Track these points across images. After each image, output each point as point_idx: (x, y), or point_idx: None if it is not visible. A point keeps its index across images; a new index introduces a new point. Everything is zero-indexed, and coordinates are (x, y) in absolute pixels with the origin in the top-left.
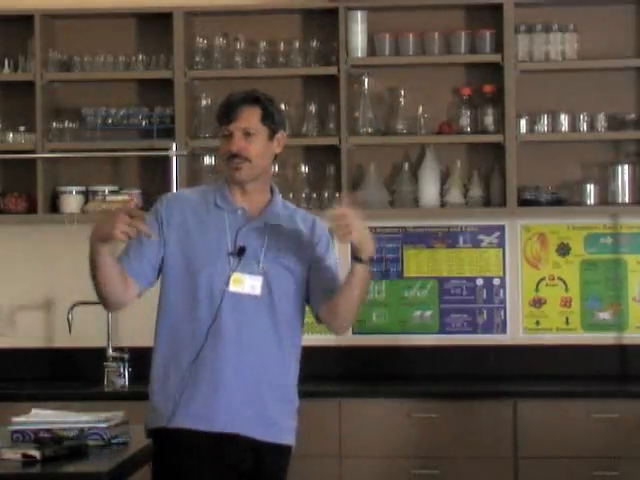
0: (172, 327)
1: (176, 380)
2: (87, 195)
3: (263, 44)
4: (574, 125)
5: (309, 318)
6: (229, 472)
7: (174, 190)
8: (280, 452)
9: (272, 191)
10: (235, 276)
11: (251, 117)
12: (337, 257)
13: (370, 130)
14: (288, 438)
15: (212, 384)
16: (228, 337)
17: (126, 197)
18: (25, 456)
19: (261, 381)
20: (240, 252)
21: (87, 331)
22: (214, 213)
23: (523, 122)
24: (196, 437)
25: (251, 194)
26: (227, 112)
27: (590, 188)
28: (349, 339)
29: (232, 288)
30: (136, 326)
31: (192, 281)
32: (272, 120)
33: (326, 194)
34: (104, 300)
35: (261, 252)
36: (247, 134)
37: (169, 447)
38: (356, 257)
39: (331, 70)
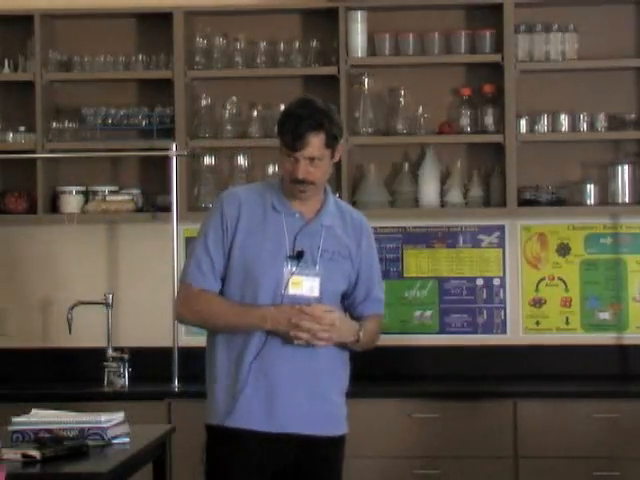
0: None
1: (235, 380)
2: (87, 195)
3: (263, 44)
4: (574, 125)
5: None
6: (278, 469)
7: (173, 191)
8: (338, 443)
9: (325, 191)
10: (294, 279)
11: (316, 144)
12: (377, 258)
13: (370, 130)
14: (344, 427)
15: (271, 384)
16: (287, 338)
17: (126, 197)
18: (25, 456)
19: (319, 379)
20: (299, 256)
21: (87, 331)
22: (272, 216)
23: (523, 122)
24: (253, 437)
25: (306, 200)
26: (293, 141)
27: (590, 188)
28: None
29: (291, 291)
30: (136, 326)
31: (253, 284)
32: (335, 140)
33: None
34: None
35: (317, 253)
36: (312, 160)
37: (222, 444)
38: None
39: (331, 70)
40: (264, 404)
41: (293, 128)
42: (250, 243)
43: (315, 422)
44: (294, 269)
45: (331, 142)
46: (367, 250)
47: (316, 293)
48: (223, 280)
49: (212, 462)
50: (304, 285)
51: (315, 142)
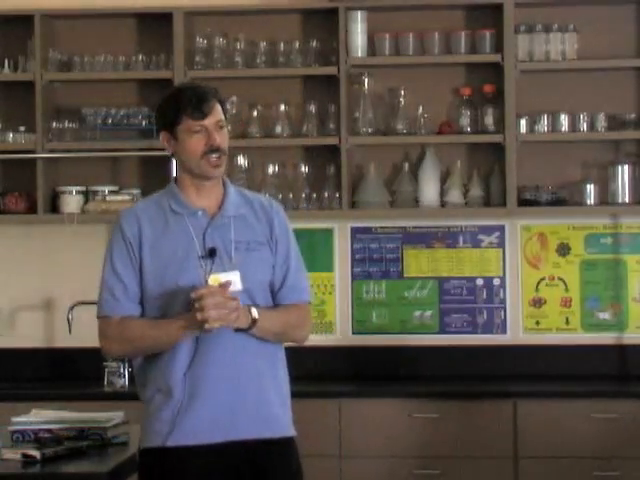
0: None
1: (170, 396)
2: (87, 195)
3: (263, 44)
4: (574, 125)
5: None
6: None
7: None
8: (287, 445)
9: (223, 181)
10: (213, 278)
11: (218, 111)
12: (295, 244)
13: (370, 130)
14: (290, 430)
15: (207, 394)
16: (217, 343)
17: (126, 197)
18: (25, 456)
19: (257, 379)
20: (211, 254)
21: (87, 331)
22: (173, 220)
23: (523, 122)
24: (197, 453)
25: (207, 191)
26: (201, 107)
27: (590, 188)
28: (349, 339)
29: None
30: None
31: (170, 295)
32: (226, 113)
33: (326, 194)
34: (132, 356)
35: (231, 247)
36: (220, 127)
37: (166, 467)
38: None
39: (331, 70)
40: (205, 415)
41: (195, 96)
42: (158, 254)
43: (258, 425)
44: (210, 268)
45: (225, 113)
46: (281, 234)
47: (239, 287)
48: (142, 301)
49: None
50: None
51: (217, 108)
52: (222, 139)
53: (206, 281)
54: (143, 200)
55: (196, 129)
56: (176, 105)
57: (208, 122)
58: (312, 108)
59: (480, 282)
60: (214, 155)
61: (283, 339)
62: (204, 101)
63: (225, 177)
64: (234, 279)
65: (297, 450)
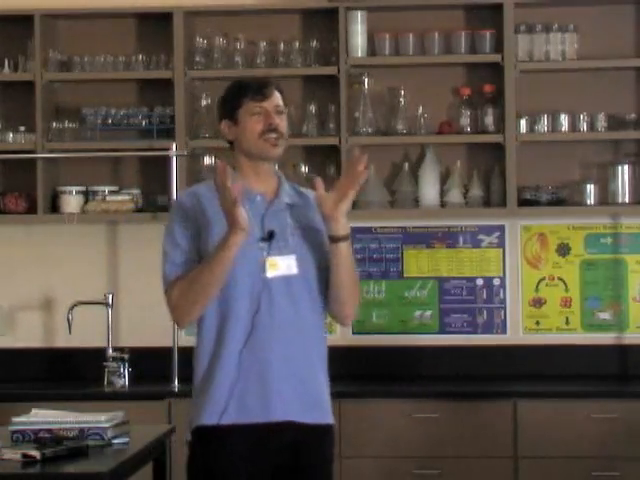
0: (215, 323)
1: (225, 375)
2: (87, 195)
3: (263, 44)
4: (574, 125)
5: None
6: (271, 462)
7: (173, 191)
8: (329, 432)
9: (276, 172)
10: (270, 261)
11: (278, 97)
12: None
13: (370, 130)
14: (331, 416)
15: (263, 373)
16: (274, 322)
17: (126, 197)
18: (25, 456)
19: (309, 363)
20: (270, 236)
21: (87, 331)
22: None
23: (523, 122)
24: (249, 431)
25: (264, 177)
26: (261, 89)
27: (590, 188)
28: (349, 339)
29: (269, 274)
30: (136, 326)
31: (229, 274)
32: (286, 103)
33: None
34: (198, 309)
35: (288, 232)
36: (279, 112)
37: (219, 444)
38: (336, 237)
39: (331, 70)
40: (259, 395)
41: (257, 80)
42: (217, 233)
43: (309, 409)
44: (268, 251)
45: (285, 103)
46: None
47: (294, 270)
48: None
49: (209, 466)
50: (280, 265)
51: (277, 94)
52: (281, 122)
53: (264, 263)
54: (201, 183)
55: (256, 110)
56: (238, 90)
57: (268, 104)
58: (312, 108)
59: (480, 282)
60: (272, 135)
61: (351, 289)
62: (265, 86)
63: (278, 170)
64: (290, 263)
65: (334, 439)
